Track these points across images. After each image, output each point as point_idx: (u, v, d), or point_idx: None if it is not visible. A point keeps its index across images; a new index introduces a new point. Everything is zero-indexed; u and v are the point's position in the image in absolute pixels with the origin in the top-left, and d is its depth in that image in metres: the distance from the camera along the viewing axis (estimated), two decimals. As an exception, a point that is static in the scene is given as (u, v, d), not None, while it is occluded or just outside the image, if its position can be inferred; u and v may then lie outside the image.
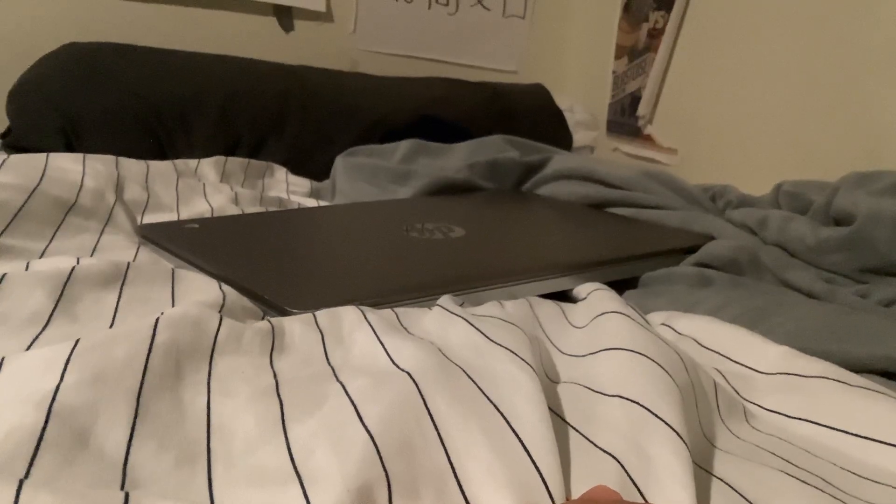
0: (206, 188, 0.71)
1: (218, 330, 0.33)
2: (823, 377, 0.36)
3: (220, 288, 0.42)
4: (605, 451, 0.28)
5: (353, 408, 0.28)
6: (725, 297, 0.51)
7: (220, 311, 0.38)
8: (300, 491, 0.24)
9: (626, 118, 1.42)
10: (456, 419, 0.28)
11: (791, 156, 1.09)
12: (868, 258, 0.57)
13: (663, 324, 0.47)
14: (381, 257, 0.53)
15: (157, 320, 0.31)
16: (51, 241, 0.49)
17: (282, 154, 0.99)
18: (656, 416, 0.29)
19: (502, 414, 0.28)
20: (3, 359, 0.27)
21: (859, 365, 0.41)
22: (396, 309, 0.42)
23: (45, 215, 0.51)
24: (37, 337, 0.34)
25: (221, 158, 0.83)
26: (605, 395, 0.32)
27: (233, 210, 0.68)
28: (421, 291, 0.46)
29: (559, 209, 0.74)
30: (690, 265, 0.59)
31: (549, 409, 0.30)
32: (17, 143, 0.90)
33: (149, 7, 1.13)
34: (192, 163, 0.80)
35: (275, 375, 0.32)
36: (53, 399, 0.25)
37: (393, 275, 0.49)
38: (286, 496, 0.23)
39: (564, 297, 0.53)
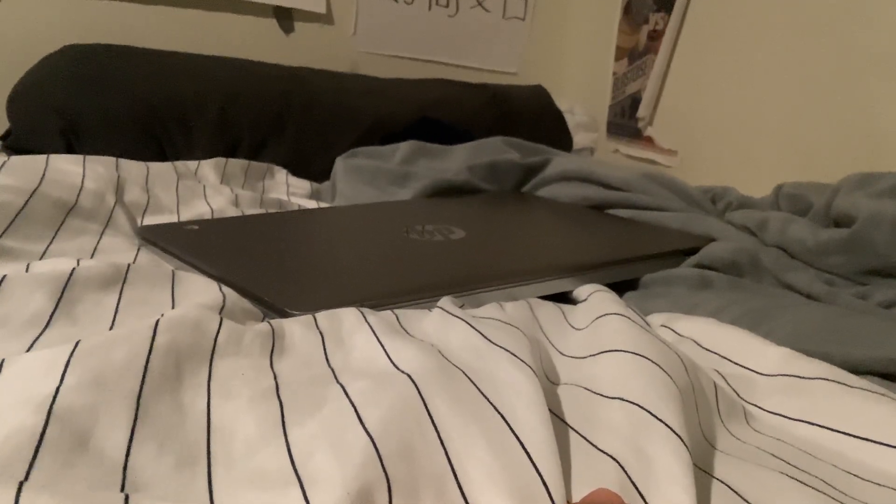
0: (207, 190, 0.71)
1: (218, 332, 0.33)
2: (824, 379, 0.36)
3: (220, 289, 0.42)
4: (605, 452, 0.28)
5: (353, 410, 0.28)
6: (726, 298, 0.51)
7: (220, 313, 0.38)
8: (300, 493, 0.24)
9: (626, 120, 1.42)
10: (456, 421, 0.28)
11: (791, 157, 1.09)
12: (868, 260, 0.57)
13: (663, 325, 0.47)
14: (382, 259, 0.53)
15: (157, 322, 0.31)
16: (51, 243, 0.49)
17: (282, 156, 0.99)
18: (657, 417, 0.29)
19: (503, 416, 0.28)
20: (3, 361, 0.27)
21: (859, 366, 0.41)
22: (396, 311, 0.42)
23: (46, 217, 0.51)
24: (37, 339, 0.33)
25: (222, 160, 0.83)
26: (605, 396, 0.32)
27: (233, 212, 0.68)
28: (421, 293, 0.46)
29: (559, 211, 0.74)
30: (690, 267, 0.59)
31: (550, 410, 0.30)
32: (18, 144, 0.90)
33: (149, 9, 1.13)
34: (193, 164, 0.80)
35: (275, 377, 0.32)
36: (53, 401, 0.25)
37: (393, 276, 0.49)
38: (286, 498, 0.23)
39: (565, 298, 0.53)
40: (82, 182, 0.58)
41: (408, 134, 1.06)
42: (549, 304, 0.48)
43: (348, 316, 0.39)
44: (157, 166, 0.74)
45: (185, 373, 0.30)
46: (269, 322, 0.38)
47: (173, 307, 0.40)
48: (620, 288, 0.57)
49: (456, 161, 0.89)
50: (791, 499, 0.28)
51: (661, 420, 0.29)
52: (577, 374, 0.36)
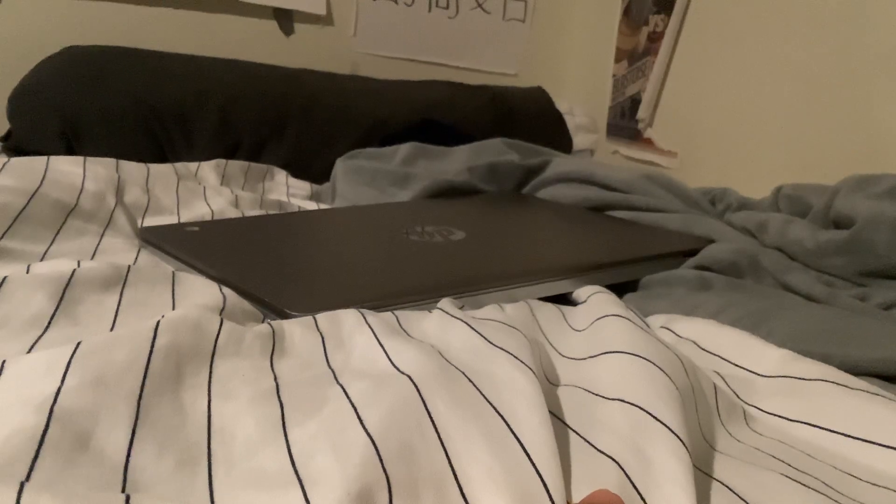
0: (207, 191, 0.72)
1: (218, 333, 0.33)
2: (823, 380, 0.37)
3: (221, 290, 0.42)
4: (605, 454, 0.28)
5: (353, 410, 0.28)
6: (725, 300, 0.52)
7: (220, 314, 0.38)
8: (301, 494, 0.24)
9: (625, 121, 1.42)
10: (456, 422, 0.28)
11: (791, 159, 1.09)
12: (867, 261, 0.57)
13: (663, 327, 0.47)
14: (382, 260, 0.53)
15: (158, 323, 0.31)
16: (51, 244, 0.49)
17: (282, 157, 0.99)
18: (656, 419, 0.29)
19: (503, 417, 0.28)
20: (4, 362, 0.27)
21: (859, 368, 0.41)
22: (397, 312, 0.42)
23: (46, 218, 0.51)
24: (38, 340, 0.34)
25: (222, 161, 0.83)
26: (605, 398, 0.32)
27: (233, 213, 0.68)
28: (421, 294, 0.46)
29: (559, 212, 0.74)
30: (690, 268, 0.59)
31: (550, 411, 0.30)
32: (18, 146, 0.90)
33: (149, 10, 1.14)
34: (193, 166, 0.81)
35: (275, 378, 0.32)
36: (54, 402, 0.25)
37: (393, 278, 0.49)
38: (287, 499, 0.23)
39: (564, 300, 0.53)
40: (83, 183, 0.58)
41: (408, 135, 1.06)
42: (549, 306, 0.48)
43: (348, 317, 0.39)
44: (157, 167, 0.74)
45: (185, 373, 0.30)
46: (269, 323, 0.38)
47: (174, 308, 0.40)
48: (620, 289, 0.57)
49: (456, 162, 0.89)
50: (790, 500, 0.28)
51: (660, 421, 0.29)
52: (576, 375, 0.36)
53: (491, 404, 0.29)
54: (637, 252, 0.60)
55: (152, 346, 0.30)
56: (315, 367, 0.34)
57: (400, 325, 0.40)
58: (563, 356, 0.40)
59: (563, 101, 1.45)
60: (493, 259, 0.55)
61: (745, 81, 1.16)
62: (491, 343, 0.34)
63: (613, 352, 0.36)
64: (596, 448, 0.29)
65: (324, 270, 0.49)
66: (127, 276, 0.41)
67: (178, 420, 0.27)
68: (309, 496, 0.23)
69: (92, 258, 0.49)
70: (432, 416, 0.28)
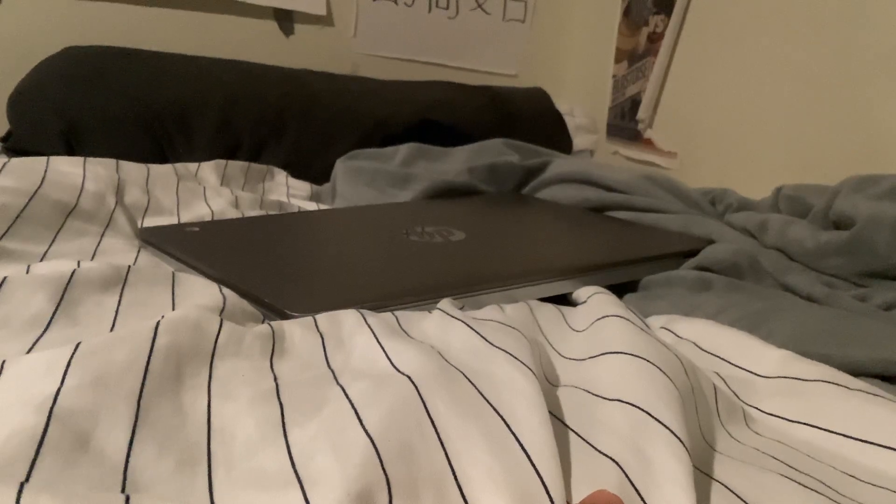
0: (207, 192, 0.72)
1: (218, 333, 0.33)
2: (823, 381, 0.37)
3: (221, 291, 0.42)
4: (605, 454, 0.28)
5: (353, 411, 0.28)
6: (725, 300, 0.52)
7: (220, 315, 0.38)
8: (300, 494, 0.24)
9: (625, 122, 1.42)
10: (456, 422, 0.28)
11: (791, 159, 1.09)
12: (868, 262, 0.57)
13: (663, 327, 0.47)
14: (382, 261, 0.53)
15: (158, 323, 0.31)
16: (51, 245, 0.49)
17: (282, 157, 0.99)
18: (656, 419, 0.29)
19: (502, 417, 0.28)
20: (4, 362, 0.27)
21: (859, 368, 0.41)
22: (396, 312, 0.42)
23: (46, 219, 0.51)
24: (37, 340, 0.34)
25: (222, 162, 0.83)
26: (605, 398, 0.32)
27: (233, 213, 0.68)
28: (421, 295, 0.46)
29: (559, 213, 0.74)
30: (690, 269, 0.59)
31: (549, 412, 0.30)
32: (18, 146, 0.90)
33: (149, 11, 1.14)
34: (193, 166, 0.81)
35: (275, 379, 0.32)
36: (54, 402, 0.25)
37: (393, 278, 0.49)
38: (287, 499, 0.23)
39: (564, 300, 0.53)
40: (83, 184, 0.58)
41: (408, 136, 1.06)
42: (549, 306, 0.48)
43: (348, 317, 0.39)
44: (157, 168, 0.74)
45: (185, 374, 0.30)
46: (269, 324, 0.38)
47: (174, 308, 0.40)
48: (620, 290, 0.57)
49: (456, 163, 0.89)
50: (790, 500, 0.28)
51: (660, 422, 0.29)
52: (576, 375, 0.36)
53: (491, 404, 0.29)
54: (637, 253, 0.60)
55: (152, 346, 0.30)
56: (315, 367, 0.34)
57: (400, 325, 0.40)
58: (563, 357, 0.40)
59: (563, 102, 1.45)
60: (493, 259, 0.55)
61: (745, 81, 1.16)
62: (491, 343, 0.34)
63: (613, 352, 0.36)
64: (596, 448, 0.29)
65: (324, 271, 0.49)
66: (127, 276, 0.41)
67: (178, 420, 0.27)
68: (309, 496, 0.23)
69: (92, 259, 0.49)
70: (432, 416, 0.28)
